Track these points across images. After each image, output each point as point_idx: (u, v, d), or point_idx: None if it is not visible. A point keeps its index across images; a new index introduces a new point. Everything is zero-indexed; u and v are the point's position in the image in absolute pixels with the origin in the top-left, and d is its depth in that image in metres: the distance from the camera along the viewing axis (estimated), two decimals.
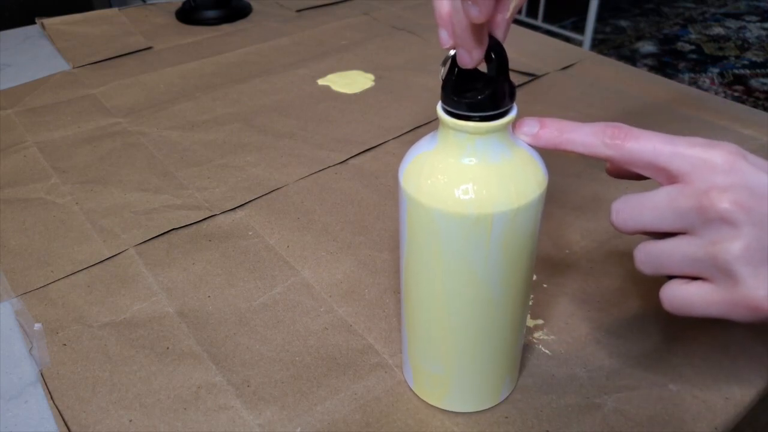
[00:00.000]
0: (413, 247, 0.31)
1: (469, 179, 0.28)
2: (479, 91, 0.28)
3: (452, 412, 0.36)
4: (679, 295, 0.31)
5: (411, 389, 0.37)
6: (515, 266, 0.31)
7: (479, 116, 0.28)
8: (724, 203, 0.28)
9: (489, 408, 0.36)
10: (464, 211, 0.28)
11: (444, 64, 0.29)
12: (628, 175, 0.34)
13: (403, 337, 0.36)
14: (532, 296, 0.44)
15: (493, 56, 0.28)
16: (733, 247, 0.28)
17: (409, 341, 0.35)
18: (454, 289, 0.31)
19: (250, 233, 0.50)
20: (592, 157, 0.31)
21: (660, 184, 0.31)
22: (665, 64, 2.34)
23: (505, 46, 0.29)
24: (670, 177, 0.30)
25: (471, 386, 0.35)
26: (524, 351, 0.40)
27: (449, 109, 0.28)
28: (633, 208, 0.31)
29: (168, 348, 0.41)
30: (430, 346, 0.34)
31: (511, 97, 0.28)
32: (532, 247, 0.31)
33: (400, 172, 0.31)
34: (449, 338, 0.33)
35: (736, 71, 2.28)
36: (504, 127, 0.29)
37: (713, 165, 0.29)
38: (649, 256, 0.31)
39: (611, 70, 0.74)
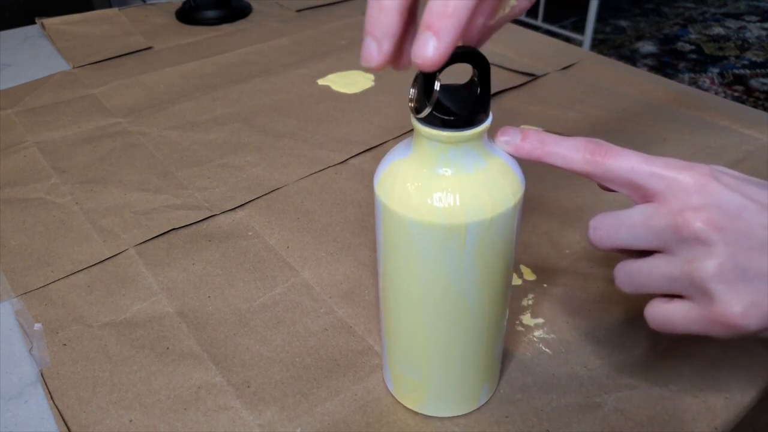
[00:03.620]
0: (389, 254, 0.31)
1: (443, 189, 0.28)
2: (453, 102, 0.28)
3: None
4: (661, 314, 0.32)
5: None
6: (491, 275, 0.31)
7: (454, 124, 0.28)
8: (697, 223, 0.29)
9: (488, 408, 0.36)
10: (437, 221, 0.28)
11: (414, 84, 0.28)
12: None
13: (382, 341, 0.36)
14: (532, 296, 0.44)
15: (473, 66, 0.28)
16: (708, 265, 0.29)
17: (388, 346, 0.35)
18: (429, 297, 0.31)
19: (250, 233, 0.50)
20: (571, 172, 0.32)
21: (634, 203, 0.32)
22: (665, 64, 2.34)
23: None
24: (645, 196, 0.31)
25: (449, 392, 0.35)
26: (525, 350, 0.40)
27: (422, 118, 0.28)
28: (610, 226, 0.32)
29: (168, 348, 0.41)
30: (408, 352, 0.34)
31: (486, 106, 0.28)
32: (508, 255, 0.31)
33: (375, 179, 0.31)
34: (426, 345, 0.33)
35: (736, 71, 2.28)
36: (478, 136, 0.28)
37: (687, 186, 0.30)
38: (629, 275, 0.32)
39: (611, 70, 0.74)
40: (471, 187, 0.28)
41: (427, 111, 0.28)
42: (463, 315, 0.31)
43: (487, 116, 0.28)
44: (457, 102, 0.28)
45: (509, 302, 0.34)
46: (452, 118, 0.27)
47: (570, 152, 0.31)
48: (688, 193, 0.29)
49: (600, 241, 0.32)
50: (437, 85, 0.27)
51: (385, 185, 0.30)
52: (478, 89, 0.28)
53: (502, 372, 0.38)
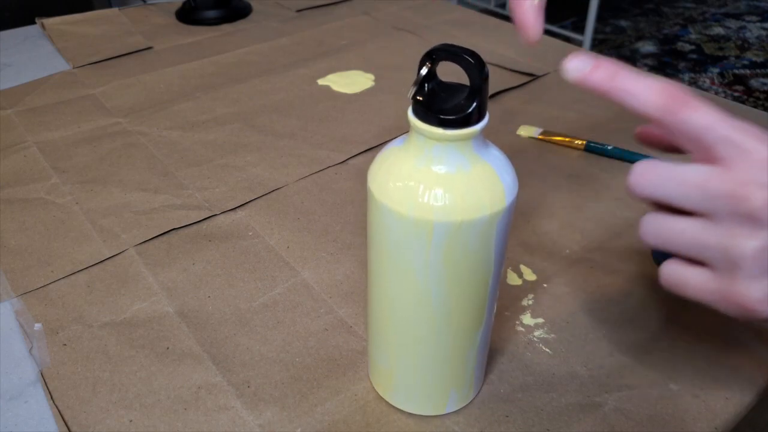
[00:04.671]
0: (371, 236, 0.32)
1: (417, 182, 0.28)
2: (443, 99, 0.28)
3: (452, 411, 0.36)
4: (677, 275, 0.30)
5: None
6: (460, 281, 0.30)
7: (440, 122, 0.27)
8: (758, 200, 0.27)
9: (488, 408, 0.36)
10: (405, 212, 0.28)
11: (415, 83, 0.28)
12: (661, 145, 0.32)
13: (368, 325, 0.37)
14: (532, 296, 0.44)
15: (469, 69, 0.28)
16: (749, 244, 0.27)
17: (368, 329, 0.36)
18: (397, 287, 0.31)
19: (250, 233, 0.50)
20: (638, 114, 0.29)
21: (692, 160, 0.30)
22: (665, 64, 2.34)
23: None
24: (710, 157, 0.28)
25: (413, 389, 0.35)
26: (525, 350, 0.40)
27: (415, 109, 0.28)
28: (658, 175, 0.29)
29: (168, 348, 0.41)
30: (378, 338, 0.35)
31: (474, 111, 0.27)
32: (485, 267, 0.30)
33: (373, 162, 0.32)
34: (392, 335, 0.33)
35: (736, 71, 2.28)
36: (464, 138, 0.28)
37: (760, 159, 0.27)
38: (658, 228, 0.30)
39: None
40: (445, 187, 0.28)
41: (411, 91, 0.28)
42: (427, 313, 0.31)
43: (476, 122, 0.28)
44: (448, 101, 0.28)
45: (490, 319, 0.34)
46: (440, 116, 0.27)
47: (645, 94, 0.28)
48: (758, 167, 0.27)
49: (641, 188, 0.30)
50: (424, 71, 0.28)
51: (373, 168, 0.31)
52: (467, 93, 0.28)
53: (502, 371, 0.38)
